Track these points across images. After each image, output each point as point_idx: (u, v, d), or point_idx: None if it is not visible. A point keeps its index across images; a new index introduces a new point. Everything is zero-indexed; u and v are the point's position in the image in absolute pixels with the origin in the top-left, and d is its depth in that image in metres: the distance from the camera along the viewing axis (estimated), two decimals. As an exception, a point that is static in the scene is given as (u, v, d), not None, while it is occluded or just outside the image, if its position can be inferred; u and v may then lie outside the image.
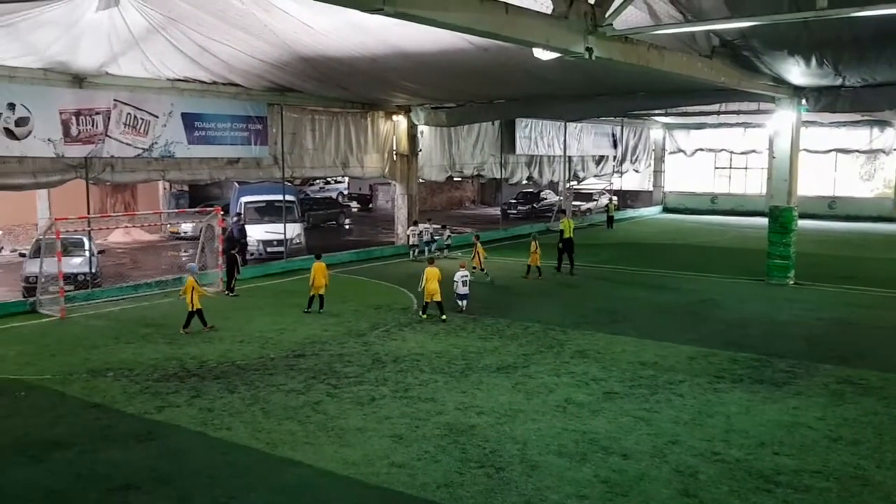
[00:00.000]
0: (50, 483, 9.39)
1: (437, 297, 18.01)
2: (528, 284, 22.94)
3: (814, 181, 41.21)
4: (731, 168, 47.49)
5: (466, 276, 19.20)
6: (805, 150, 35.64)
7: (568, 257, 24.95)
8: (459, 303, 18.99)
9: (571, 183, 43.90)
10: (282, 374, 13.76)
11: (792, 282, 23.09)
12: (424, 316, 18.20)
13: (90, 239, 22.10)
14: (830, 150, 42.90)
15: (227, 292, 21.32)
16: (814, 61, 18.65)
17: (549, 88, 24.27)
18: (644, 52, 13.92)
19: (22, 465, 9.93)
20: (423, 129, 31.44)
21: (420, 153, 31.49)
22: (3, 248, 31.02)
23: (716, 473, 9.56)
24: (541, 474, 9.51)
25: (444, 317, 17.98)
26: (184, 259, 27.76)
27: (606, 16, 12.18)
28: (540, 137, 39.62)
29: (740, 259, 27.78)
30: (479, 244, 23.83)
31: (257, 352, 15.40)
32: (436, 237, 28.49)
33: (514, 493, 9.02)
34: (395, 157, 30.79)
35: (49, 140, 19.48)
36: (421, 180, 32.90)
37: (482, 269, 23.21)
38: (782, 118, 23.23)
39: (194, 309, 16.87)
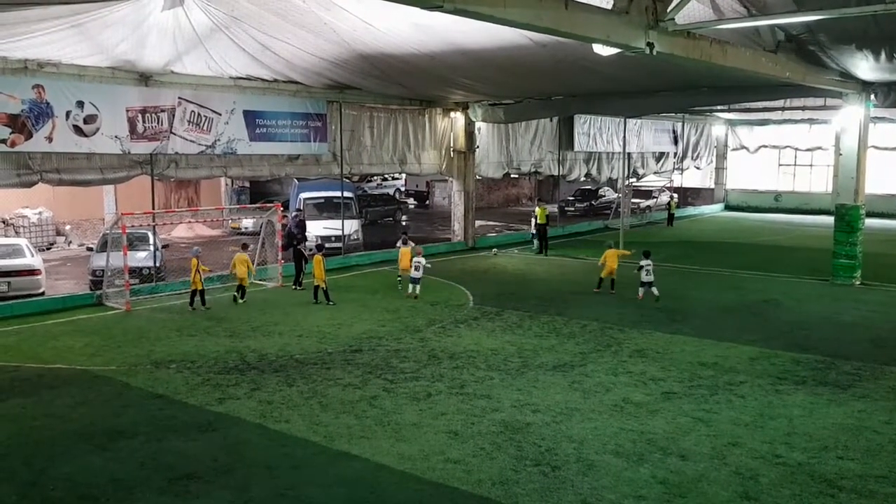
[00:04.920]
0: (114, 471, 9.63)
1: (245, 283, 19.96)
2: (584, 282, 22.59)
3: (882, 179, 39.99)
4: (795, 165, 46.46)
5: (420, 262, 20.29)
6: (873, 146, 34.67)
7: (543, 242, 28.56)
8: (410, 286, 20.27)
9: (631, 180, 43.39)
10: (339, 369, 13.90)
11: (858, 282, 22.50)
12: (241, 301, 19.75)
13: (155, 234, 22.57)
14: (900, 148, 41.64)
15: (294, 286, 21.69)
16: (883, 55, 18.11)
17: (609, 84, 24.01)
18: (706, 47, 13.68)
19: (87, 453, 10.20)
20: (481, 126, 31.40)
21: (477, 150, 31.45)
22: (71, 242, 31.94)
23: (777, 477, 9.37)
24: (597, 474, 9.44)
25: (242, 301, 19.69)
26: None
27: (668, 10, 12.01)
28: (599, 134, 39.23)
29: (804, 258, 27.15)
30: (612, 249, 21.47)
31: (315, 346, 15.59)
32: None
33: (570, 491, 8.96)
34: (452, 153, 30.79)
35: (116, 137, 19.96)
36: (478, 177, 32.89)
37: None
38: (849, 114, 22.63)
39: (199, 288, 18.93)
